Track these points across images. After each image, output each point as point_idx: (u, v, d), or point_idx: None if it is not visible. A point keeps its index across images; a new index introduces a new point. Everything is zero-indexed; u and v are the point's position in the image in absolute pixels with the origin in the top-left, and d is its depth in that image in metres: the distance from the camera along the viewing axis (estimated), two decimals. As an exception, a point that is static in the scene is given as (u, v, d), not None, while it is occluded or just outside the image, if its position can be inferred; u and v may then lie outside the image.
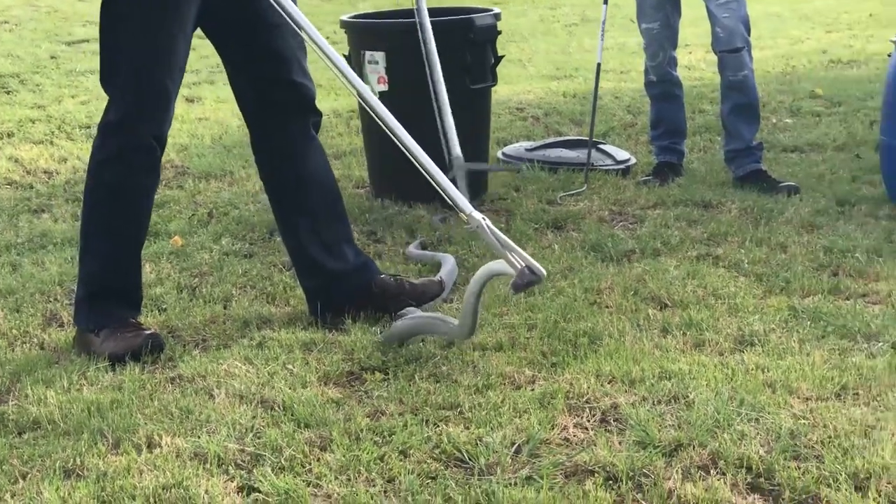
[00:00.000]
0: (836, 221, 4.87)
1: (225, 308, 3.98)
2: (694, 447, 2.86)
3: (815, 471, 2.74)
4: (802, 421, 3.00)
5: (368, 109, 3.60)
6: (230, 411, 3.10)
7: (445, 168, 3.81)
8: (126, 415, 3.09)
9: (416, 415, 3.08)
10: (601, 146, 6.06)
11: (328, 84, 7.86)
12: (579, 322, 3.74)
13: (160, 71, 3.53)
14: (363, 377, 3.37)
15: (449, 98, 5.11)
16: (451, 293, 4.08)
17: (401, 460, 2.84)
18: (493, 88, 5.53)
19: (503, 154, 6.03)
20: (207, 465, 2.82)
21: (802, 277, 4.13)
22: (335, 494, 2.69)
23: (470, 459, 2.84)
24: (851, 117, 7.04)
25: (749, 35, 5.37)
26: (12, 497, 2.72)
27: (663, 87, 5.63)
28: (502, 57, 5.46)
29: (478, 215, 3.39)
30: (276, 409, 3.13)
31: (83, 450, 2.91)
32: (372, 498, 2.67)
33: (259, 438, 2.95)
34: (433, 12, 5.87)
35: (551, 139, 6.31)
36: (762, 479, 2.73)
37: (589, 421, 3.05)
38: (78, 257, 3.76)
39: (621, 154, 5.98)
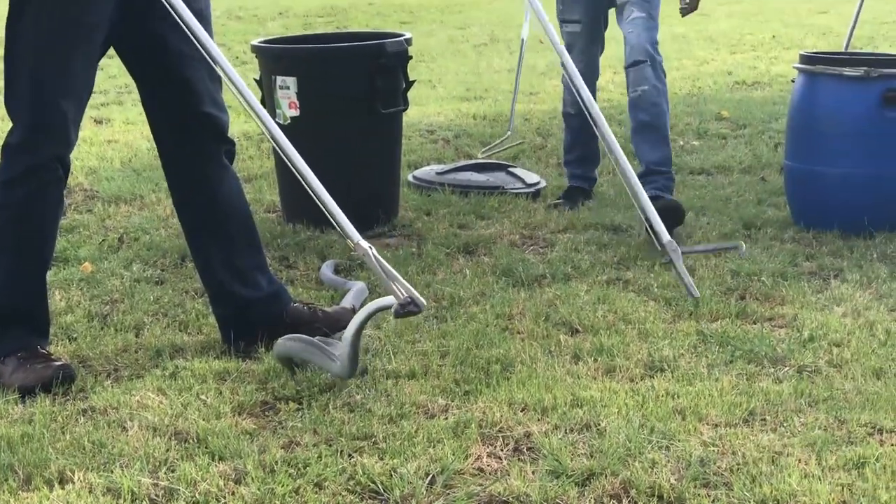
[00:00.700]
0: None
1: (137, 336, 3.96)
2: (606, 476, 2.89)
3: (725, 498, 2.80)
4: (712, 448, 3.05)
5: (269, 137, 3.62)
6: (143, 444, 3.09)
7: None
8: (37, 449, 3.05)
9: (330, 446, 3.08)
10: (511, 169, 6.11)
11: (238, 107, 7.82)
12: (491, 349, 3.77)
13: (56, 93, 3.51)
14: (277, 407, 3.37)
15: (359, 123, 5.15)
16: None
17: (316, 493, 2.85)
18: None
19: (414, 177, 6.06)
20: (121, 501, 2.80)
21: (710, 301, 4.20)
22: (250, 528, 2.69)
23: (385, 491, 2.86)
24: (756, 140, 7.16)
25: (658, 57, 5.28)
26: (-79, 536, 2.69)
27: (581, 119, 5.30)
28: (414, 82, 5.49)
29: (365, 244, 3.44)
30: (191, 441, 3.12)
31: (-7, 486, 2.88)
32: (287, 531, 2.67)
33: (173, 472, 2.94)
34: (344, 37, 5.92)
35: (461, 162, 6.34)
36: (673, 508, 2.78)
37: (502, 450, 3.08)
38: None
39: (531, 177, 6.03)
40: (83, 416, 3.32)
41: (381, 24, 13.21)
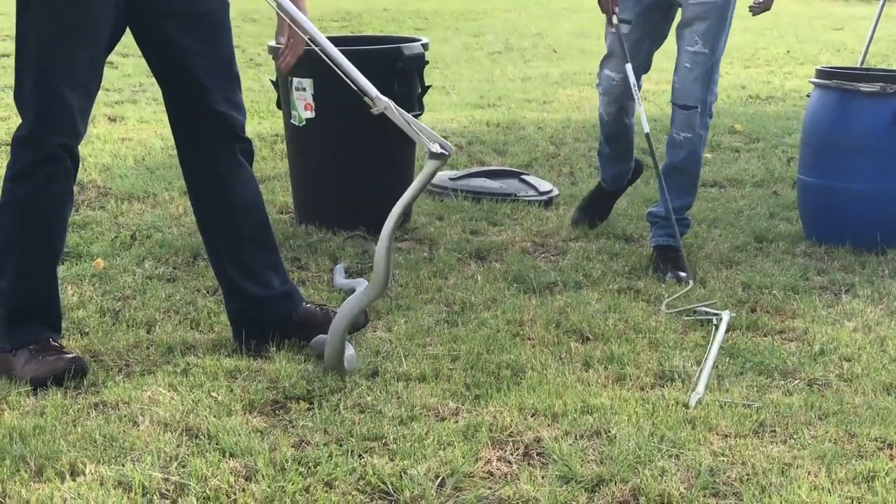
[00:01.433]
0: (755, 258, 4.96)
1: (148, 333, 3.97)
2: (616, 483, 2.90)
3: (734, 508, 2.80)
4: (721, 458, 3.05)
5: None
6: (155, 439, 3.10)
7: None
8: (49, 441, 3.06)
9: (340, 446, 3.09)
10: (524, 177, 6.12)
11: (251, 107, 7.87)
12: (502, 354, 3.78)
13: (59, 82, 3.52)
14: (288, 406, 3.38)
15: (374, 126, 5.15)
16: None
17: (326, 492, 2.85)
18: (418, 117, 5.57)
19: (427, 182, 6.06)
20: (132, 495, 2.81)
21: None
22: (260, 525, 2.70)
23: (395, 492, 2.86)
24: (769, 154, 7.17)
25: (711, 97, 4.84)
26: (-68, 524, 2.70)
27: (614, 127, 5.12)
28: (429, 87, 5.50)
29: (385, 98, 3.50)
30: (201, 437, 3.13)
31: (5, 477, 2.88)
32: (297, 529, 2.68)
33: (184, 467, 2.95)
34: (362, 41, 5.93)
35: (475, 168, 6.36)
36: (682, 516, 2.79)
37: (512, 455, 3.08)
38: None
39: (544, 185, 6.05)
40: (95, 409, 3.33)
41: (395, 30, 13.23)
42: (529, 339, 3.96)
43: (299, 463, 2.99)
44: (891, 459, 3.07)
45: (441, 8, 16.51)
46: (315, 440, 3.13)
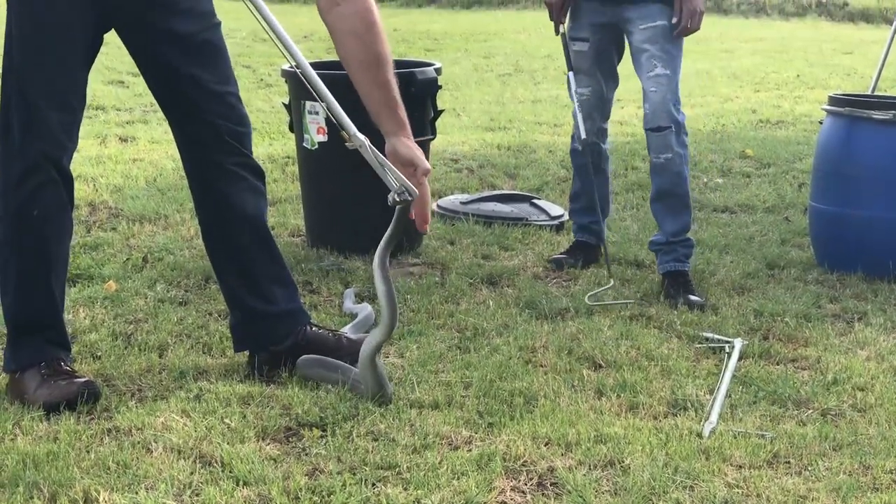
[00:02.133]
0: (767, 284, 4.96)
1: (160, 357, 3.97)
2: (630, 514, 2.89)
3: (749, 541, 2.79)
4: (736, 489, 3.05)
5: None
6: (168, 466, 3.09)
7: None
8: (62, 468, 3.06)
9: (354, 474, 3.09)
10: (535, 201, 6.12)
11: (262, 129, 7.87)
12: (515, 381, 3.77)
13: (37, 95, 3.53)
14: (301, 433, 3.37)
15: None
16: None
17: (340, 521, 2.85)
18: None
19: (438, 206, 6.07)
20: (146, 523, 2.81)
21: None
22: (274, 555, 2.69)
23: (409, 522, 2.86)
24: (780, 179, 7.16)
25: (678, 112, 4.89)
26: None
27: (588, 158, 5.22)
28: (442, 111, 5.50)
29: (361, 136, 3.52)
30: (215, 464, 3.12)
31: (18, 504, 2.89)
32: (311, 559, 2.67)
33: (198, 496, 2.94)
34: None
35: (486, 192, 6.36)
36: (697, 548, 2.78)
37: (526, 484, 3.08)
38: None
39: (555, 209, 6.05)
40: (108, 435, 3.33)
41: (405, 51, 13.24)
42: (542, 365, 3.96)
43: (313, 492, 2.98)
44: (906, 492, 3.07)
45: (451, 29, 16.53)
46: (329, 468, 3.13)
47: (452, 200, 6.16)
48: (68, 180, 3.65)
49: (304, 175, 5.53)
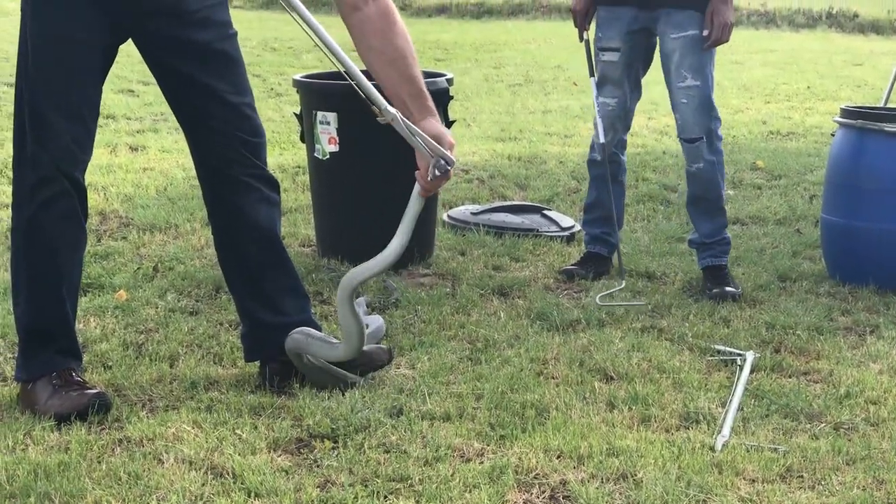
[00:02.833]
0: (778, 297, 4.95)
1: (171, 367, 3.96)
2: (643, 528, 2.88)
3: (763, 556, 2.78)
4: (750, 504, 3.03)
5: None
6: (179, 478, 3.09)
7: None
8: (73, 478, 3.06)
9: (366, 486, 3.08)
10: (546, 212, 6.11)
11: (273, 138, 7.87)
12: (526, 393, 3.76)
13: (48, 107, 3.54)
14: (312, 445, 3.36)
15: (398, 160, 5.15)
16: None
17: (351, 533, 2.84)
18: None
19: (449, 217, 6.07)
20: (157, 534, 2.81)
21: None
22: (285, 567, 2.69)
23: (421, 534, 2.85)
24: (791, 191, 7.15)
25: (715, 124, 5.02)
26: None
27: (606, 168, 5.22)
28: (454, 122, 5.50)
29: (392, 109, 3.51)
30: (226, 476, 3.12)
31: (29, 514, 2.88)
32: (322, 572, 2.66)
33: (209, 507, 2.94)
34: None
35: (497, 203, 6.35)
36: (710, 563, 2.76)
37: (539, 498, 3.06)
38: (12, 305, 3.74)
39: (566, 221, 6.04)
40: (119, 446, 3.32)
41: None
42: (553, 377, 3.95)
43: (325, 504, 2.98)
44: (920, 507, 3.05)
45: (461, 39, 16.52)
46: (340, 480, 3.12)
47: (463, 211, 6.15)
48: (82, 192, 3.65)
49: (314, 185, 5.53)
